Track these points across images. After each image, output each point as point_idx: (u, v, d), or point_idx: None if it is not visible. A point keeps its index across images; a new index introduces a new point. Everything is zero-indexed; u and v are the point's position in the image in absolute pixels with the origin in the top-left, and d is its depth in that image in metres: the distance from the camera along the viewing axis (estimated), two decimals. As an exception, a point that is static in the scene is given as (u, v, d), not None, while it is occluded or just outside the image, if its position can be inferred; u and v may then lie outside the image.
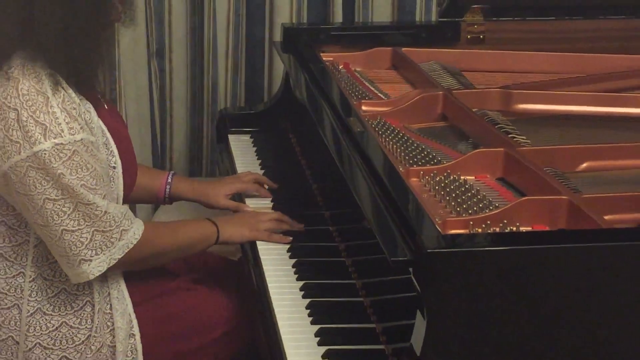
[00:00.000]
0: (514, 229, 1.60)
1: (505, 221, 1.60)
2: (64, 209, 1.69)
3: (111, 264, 1.75)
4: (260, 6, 3.01)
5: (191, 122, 3.13)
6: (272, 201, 2.21)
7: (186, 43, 3.04)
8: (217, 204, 2.17)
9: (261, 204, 2.18)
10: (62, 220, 1.69)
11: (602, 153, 1.91)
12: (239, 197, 2.23)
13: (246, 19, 3.03)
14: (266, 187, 2.25)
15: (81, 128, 1.71)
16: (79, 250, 1.72)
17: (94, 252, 1.73)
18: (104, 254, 1.74)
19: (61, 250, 1.72)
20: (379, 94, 2.29)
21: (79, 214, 1.70)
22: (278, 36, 2.78)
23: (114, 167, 1.81)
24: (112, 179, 1.81)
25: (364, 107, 2.16)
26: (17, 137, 1.66)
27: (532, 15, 2.64)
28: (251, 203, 2.19)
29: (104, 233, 1.73)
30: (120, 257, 1.76)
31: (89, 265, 1.73)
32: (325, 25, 2.87)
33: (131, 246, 1.78)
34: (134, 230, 1.79)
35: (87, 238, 1.72)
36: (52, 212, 1.68)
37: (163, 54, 3.03)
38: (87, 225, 1.71)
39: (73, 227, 1.70)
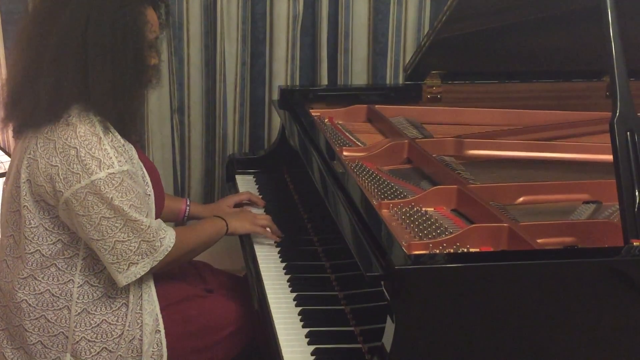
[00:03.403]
0: (465, 250, 1.61)
1: (458, 244, 1.61)
2: (116, 224, 1.70)
3: (154, 265, 1.77)
4: (261, 72, 3.03)
5: (205, 165, 3.13)
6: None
7: (201, 101, 3.05)
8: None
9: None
10: (114, 233, 1.71)
11: (535, 189, 1.92)
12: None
13: (250, 82, 3.04)
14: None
15: (126, 161, 1.73)
16: (129, 256, 1.73)
17: (140, 257, 1.74)
18: (148, 258, 1.76)
19: (113, 258, 1.73)
20: (357, 142, 2.30)
21: (127, 228, 1.72)
22: (276, 95, 2.78)
23: (149, 195, 1.83)
24: (148, 203, 1.82)
25: (345, 153, 2.16)
26: (77, 169, 1.68)
27: (479, 79, 2.65)
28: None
29: (148, 242, 1.75)
30: (161, 259, 1.78)
31: (136, 267, 1.74)
32: (313, 87, 2.88)
33: (169, 249, 1.79)
34: (169, 237, 1.80)
35: (135, 247, 1.73)
36: (107, 227, 1.70)
37: (183, 110, 3.04)
38: (134, 236, 1.73)
39: (123, 238, 1.72)
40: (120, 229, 1.71)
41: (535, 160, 2.19)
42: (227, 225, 2.02)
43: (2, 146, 2.89)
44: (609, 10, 1.58)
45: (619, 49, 1.56)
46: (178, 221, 2.27)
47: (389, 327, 1.40)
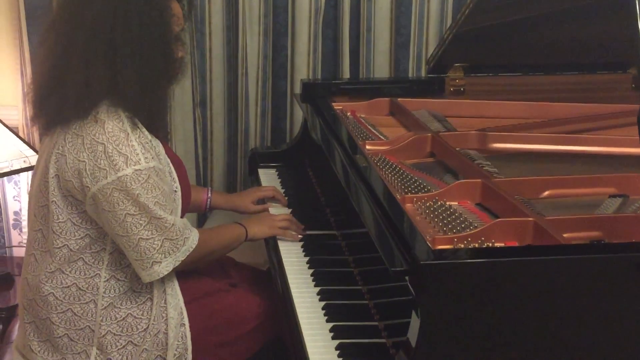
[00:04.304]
0: (490, 244, 1.60)
1: (483, 238, 1.60)
2: (140, 221, 1.71)
3: (176, 265, 1.78)
4: (283, 65, 3.03)
5: (228, 159, 3.14)
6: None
7: (224, 95, 3.05)
8: (247, 209, 2.28)
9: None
10: (139, 230, 1.71)
11: (561, 183, 1.90)
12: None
13: (272, 75, 3.04)
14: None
15: (152, 158, 1.74)
16: (152, 254, 1.74)
17: (163, 255, 1.75)
18: (171, 257, 1.76)
19: (137, 255, 1.74)
20: (380, 136, 2.29)
21: (152, 226, 1.72)
22: (298, 89, 2.78)
23: (176, 191, 1.84)
24: (174, 200, 1.83)
25: (367, 147, 2.16)
26: (104, 165, 1.69)
27: (503, 71, 2.64)
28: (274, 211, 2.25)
29: (171, 241, 1.76)
30: (183, 259, 1.78)
31: (159, 266, 1.75)
32: (335, 80, 2.87)
33: (191, 250, 1.80)
34: (192, 238, 1.81)
35: (158, 245, 1.74)
36: (131, 224, 1.71)
37: (205, 104, 3.04)
38: (158, 234, 1.73)
39: (147, 236, 1.72)
40: (144, 227, 1.72)
41: (560, 153, 2.17)
42: (246, 232, 2.02)
43: (27, 141, 2.91)
44: (636, 1, 1.56)
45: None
46: (200, 212, 2.28)
47: (414, 322, 1.40)
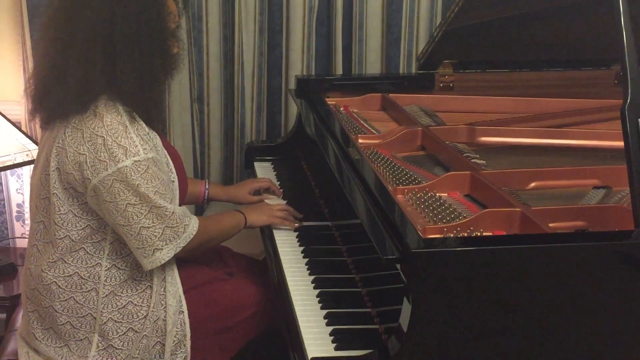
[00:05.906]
0: (479, 234, 1.61)
1: (472, 228, 1.62)
2: (141, 211, 1.72)
3: (177, 251, 1.78)
4: (278, 61, 3.03)
5: (224, 153, 3.14)
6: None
7: (220, 90, 3.05)
8: (244, 200, 2.28)
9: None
10: (140, 219, 1.72)
11: (546, 175, 1.92)
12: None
13: (267, 71, 3.04)
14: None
15: (151, 149, 1.74)
16: (153, 242, 1.74)
17: (164, 242, 1.76)
18: (172, 244, 1.77)
19: (139, 243, 1.74)
20: (372, 130, 2.30)
21: (152, 215, 1.73)
22: (292, 85, 2.79)
23: (173, 181, 1.85)
24: (172, 190, 1.83)
25: (360, 140, 2.17)
26: (104, 157, 1.69)
27: (491, 68, 2.65)
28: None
29: (172, 228, 1.76)
30: (184, 245, 1.79)
31: (160, 252, 1.76)
32: (329, 76, 2.88)
33: (192, 236, 1.81)
34: (192, 224, 1.82)
35: (159, 232, 1.75)
36: (132, 214, 1.71)
37: (202, 99, 3.04)
38: (159, 222, 1.74)
39: (148, 224, 1.73)
40: (145, 215, 1.72)
41: (546, 146, 2.19)
42: (245, 219, 2.03)
43: (30, 135, 2.91)
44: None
45: (630, 37, 1.55)
46: (198, 203, 2.29)
47: (406, 308, 1.41)
